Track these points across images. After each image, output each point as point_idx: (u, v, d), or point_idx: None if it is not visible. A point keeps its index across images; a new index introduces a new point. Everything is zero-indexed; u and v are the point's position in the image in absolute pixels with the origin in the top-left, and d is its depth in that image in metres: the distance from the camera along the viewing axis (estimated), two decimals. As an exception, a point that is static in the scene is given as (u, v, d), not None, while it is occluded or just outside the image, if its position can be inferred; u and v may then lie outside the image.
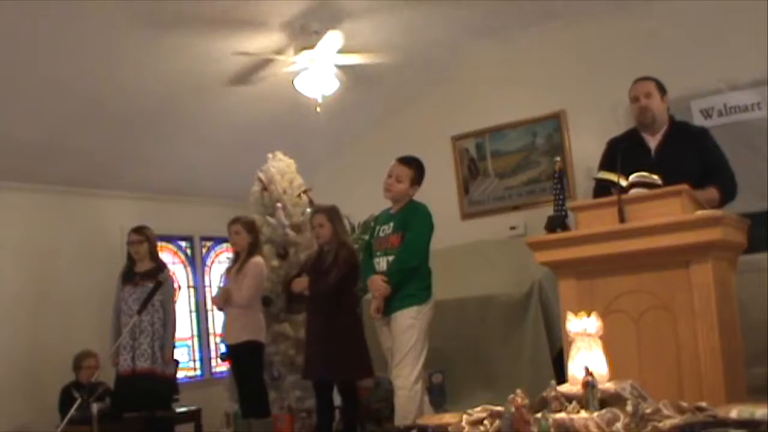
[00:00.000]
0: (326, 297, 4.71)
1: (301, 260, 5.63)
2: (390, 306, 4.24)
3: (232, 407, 5.63)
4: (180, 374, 5.78)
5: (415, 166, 4.39)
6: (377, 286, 4.25)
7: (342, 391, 4.83)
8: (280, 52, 5.44)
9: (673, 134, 3.79)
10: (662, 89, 3.84)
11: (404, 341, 4.16)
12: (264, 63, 5.54)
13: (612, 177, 3.34)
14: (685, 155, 3.68)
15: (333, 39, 5.15)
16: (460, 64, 6.56)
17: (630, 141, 3.80)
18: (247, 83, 5.73)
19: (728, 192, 3.61)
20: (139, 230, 5.42)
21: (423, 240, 4.29)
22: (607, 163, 3.80)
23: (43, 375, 5.77)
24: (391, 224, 4.36)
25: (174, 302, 5.40)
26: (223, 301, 5.19)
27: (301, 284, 4.90)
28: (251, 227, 5.36)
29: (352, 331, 4.70)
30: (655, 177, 3.27)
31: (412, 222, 4.28)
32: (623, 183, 3.27)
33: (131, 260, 5.44)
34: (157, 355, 5.17)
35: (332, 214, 4.91)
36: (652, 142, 3.80)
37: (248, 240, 5.29)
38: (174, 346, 5.45)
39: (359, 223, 6.46)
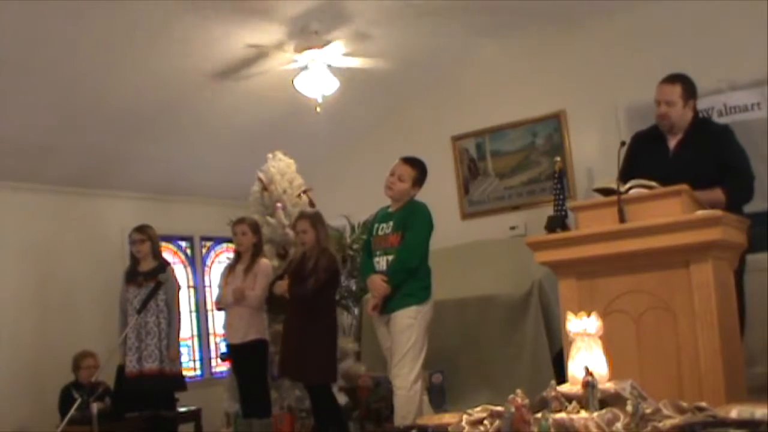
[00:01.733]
0: (303, 302, 4.75)
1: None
2: (389, 305, 4.25)
3: (232, 407, 5.62)
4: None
5: (418, 167, 4.38)
6: (377, 285, 4.25)
7: (312, 395, 4.89)
8: (278, 47, 5.43)
9: (693, 133, 3.76)
10: (688, 94, 3.73)
11: (403, 341, 4.16)
12: (260, 56, 5.50)
13: (611, 185, 3.33)
14: (703, 154, 3.65)
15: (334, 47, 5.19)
16: (460, 64, 6.56)
17: (651, 138, 3.80)
18: (239, 77, 5.68)
19: (737, 194, 3.55)
20: (140, 229, 5.42)
21: (423, 239, 4.28)
22: (629, 159, 3.78)
23: (44, 375, 5.77)
24: (391, 223, 4.35)
25: (178, 300, 5.40)
26: (236, 300, 5.17)
27: (281, 287, 4.94)
28: (256, 228, 5.40)
29: (322, 337, 4.75)
30: (654, 184, 3.27)
31: (412, 221, 4.28)
32: (621, 189, 3.26)
33: (134, 260, 5.44)
34: (164, 354, 5.17)
35: (315, 220, 4.95)
36: (672, 140, 3.79)
37: (253, 241, 5.32)
38: (179, 344, 5.44)
39: (359, 223, 6.46)
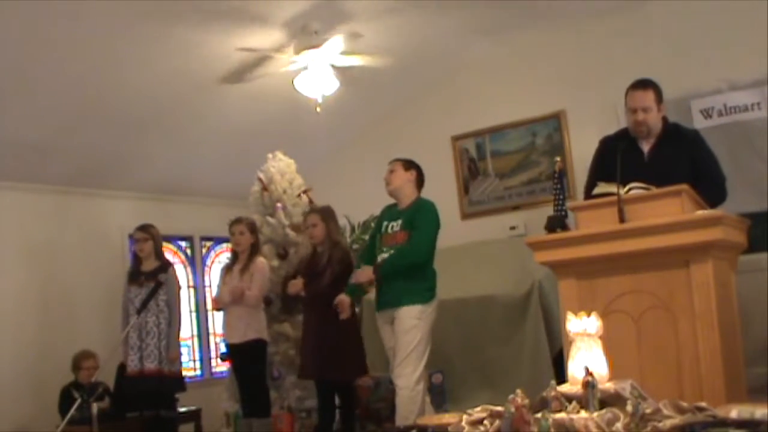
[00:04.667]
0: (321, 298, 4.73)
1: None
2: (389, 298, 4.28)
3: (232, 407, 5.63)
4: (180, 374, 5.79)
5: (402, 159, 4.50)
6: (362, 271, 4.35)
7: (338, 391, 4.87)
8: (279, 50, 5.44)
9: (666, 138, 3.74)
10: (659, 98, 3.70)
11: (407, 341, 4.17)
12: (261, 60, 5.52)
13: (611, 189, 3.31)
14: (677, 159, 3.65)
15: (334, 43, 5.19)
16: (460, 64, 6.56)
17: (623, 143, 3.77)
18: (243, 81, 5.70)
19: (713, 198, 3.48)
20: (143, 228, 5.42)
21: (429, 239, 4.31)
22: (599, 163, 3.78)
23: (44, 375, 5.77)
24: (400, 221, 4.39)
25: (179, 300, 5.40)
26: (234, 299, 5.17)
27: (295, 286, 4.93)
28: (253, 228, 5.42)
29: (347, 332, 4.73)
30: (651, 188, 3.26)
31: (419, 220, 4.31)
32: (622, 192, 3.25)
33: (137, 259, 5.43)
34: (163, 354, 5.16)
35: (326, 214, 4.95)
36: (646, 145, 3.75)
37: (251, 241, 5.33)
38: (179, 345, 5.44)
39: (359, 223, 6.46)
